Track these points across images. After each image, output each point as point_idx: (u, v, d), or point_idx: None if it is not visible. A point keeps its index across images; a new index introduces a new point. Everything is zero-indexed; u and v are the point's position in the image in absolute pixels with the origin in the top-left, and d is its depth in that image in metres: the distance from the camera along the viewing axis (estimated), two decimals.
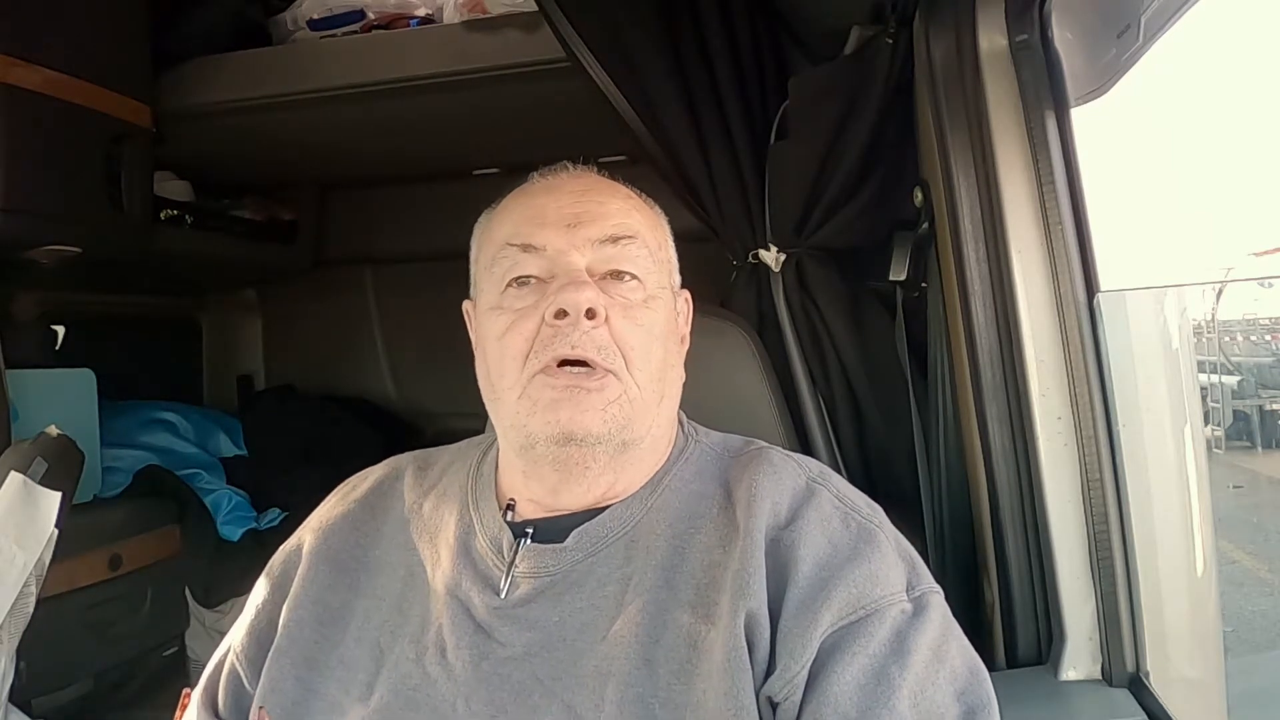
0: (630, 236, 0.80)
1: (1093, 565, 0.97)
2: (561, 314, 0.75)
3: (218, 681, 0.86)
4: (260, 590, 0.88)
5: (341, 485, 0.94)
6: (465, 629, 0.77)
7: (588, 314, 0.75)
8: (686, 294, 0.90)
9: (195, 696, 0.88)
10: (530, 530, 0.80)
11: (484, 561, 0.80)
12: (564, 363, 0.75)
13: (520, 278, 0.78)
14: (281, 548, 0.91)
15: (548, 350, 0.75)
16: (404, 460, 0.94)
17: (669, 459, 0.84)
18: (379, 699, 0.76)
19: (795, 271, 1.30)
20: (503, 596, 0.77)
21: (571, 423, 0.74)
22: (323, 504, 0.92)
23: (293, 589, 0.85)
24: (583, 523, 0.79)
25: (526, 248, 0.79)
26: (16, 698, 1.39)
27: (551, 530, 0.79)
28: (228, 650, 0.87)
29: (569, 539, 0.78)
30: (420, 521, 0.86)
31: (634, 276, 0.79)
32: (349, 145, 2.09)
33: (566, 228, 0.78)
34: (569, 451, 0.76)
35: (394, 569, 0.84)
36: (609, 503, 0.80)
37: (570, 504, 0.80)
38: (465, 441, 0.96)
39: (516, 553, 0.79)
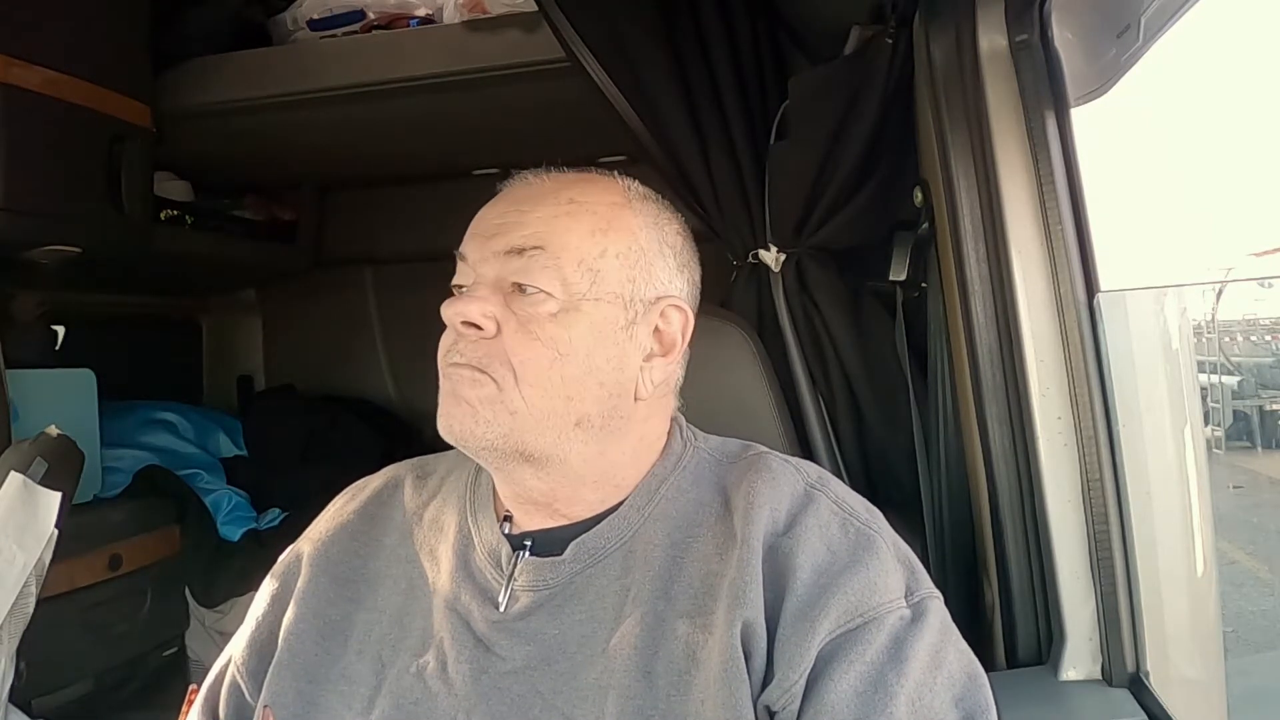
0: (537, 247, 0.76)
1: (1093, 565, 0.97)
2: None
3: (219, 693, 0.86)
4: (260, 602, 0.88)
5: (339, 496, 0.94)
6: (465, 643, 0.76)
7: (471, 325, 0.75)
8: (675, 302, 0.81)
9: (195, 706, 0.87)
10: (529, 542, 0.80)
11: (483, 575, 0.80)
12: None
13: (455, 286, 0.80)
14: (280, 559, 0.90)
15: (445, 357, 0.77)
16: (402, 469, 0.93)
17: (665, 466, 0.82)
18: (380, 713, 0.75)
19: (795, 271, 1.30)
20: (502, 610, 0.77)
21: (449, 416, 0.76)
22: (321, 515, 0.92)
23: (293, 602, 0.84)
24: (580, 534, 0.79)
25: (460, 256, 0.80)
26: (16, 698, 1.39)
27: (550, 542, 0.79)
28: (228, 661, 0.87)
29: (566, 551, 0.78)
30: (420, 532, 0.86)
31: (539, 289, 0.76)
32: (349, 145, 2.09)
33: (485, 239, 0.79)
34: (476, 456, 0.78)
35: (394, 581, 0.84)
36: (590, 512, 0.80)
37: (521, 497, 0.81)
38: None
39: (515, 565, 0.79)
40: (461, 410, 0.75)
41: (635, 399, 0.79)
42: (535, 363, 0.74)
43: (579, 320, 0.76)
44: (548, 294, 0.76)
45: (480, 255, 0.78)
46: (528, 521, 0.82)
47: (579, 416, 0.76)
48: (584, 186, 0.81)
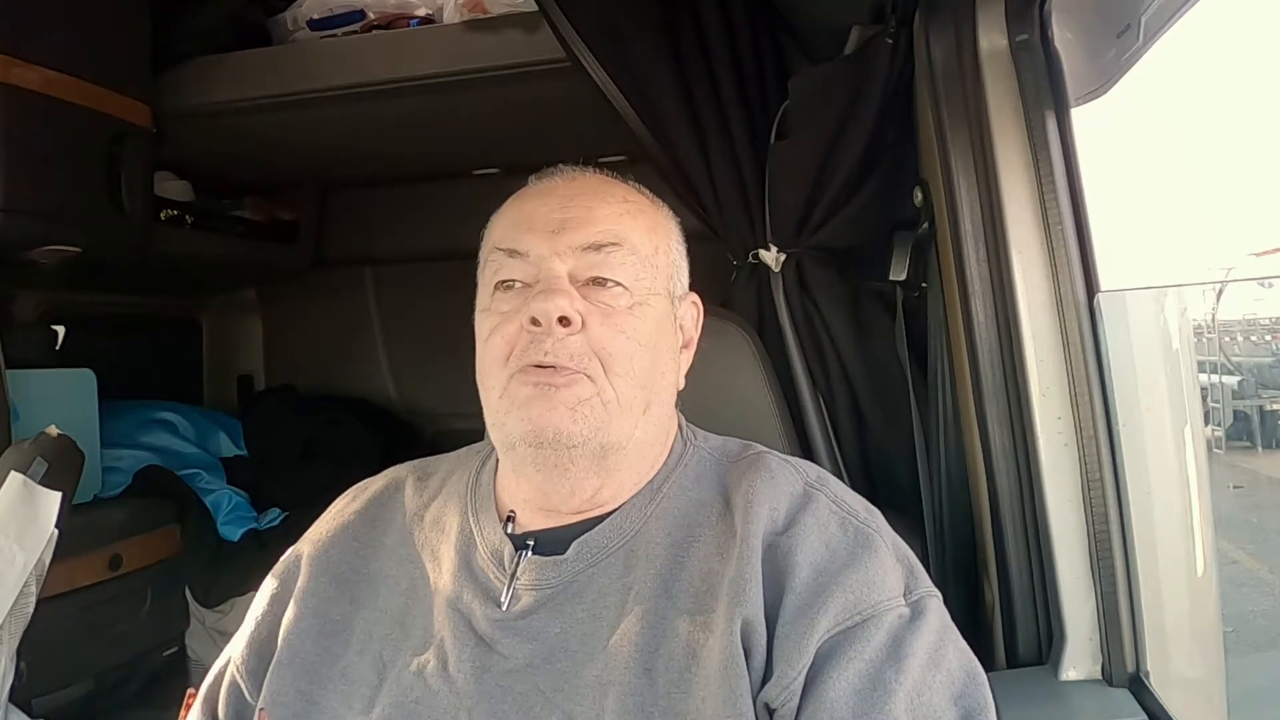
0: (615, 244, 0.79)
1: (1093, 565, 0.97)
2: (536, 321, 0.75)
3: (218, 693, 0.86)
4: (260, 602, 0.88)
5: (341, 497, 0.94)
6: (467, 642, 0.76)
7: (561, 322, 0.75)
8: (694, 298, 0.89)
9: (196, 707, 0.87)
10: (531, 542, 0.80)
11: (485, 574, 0.80)
12: (539, 367, 0.76)
13: (505, 282, 0.79)
14: (280, 560, 0.90)
15: (525, 355, 0.76)
16: (403, 471, 0.94)
17: (667, 465, 0.83)
18: (380, 711, 0.75)
19: (795, 271, 1.30)
20: (504, 609, 0.77)
21: (542, 419, 0.74)
22: (322, 516, 0.92)
23: (293, 601, 0.84)
24: (583, 533, 0.79)
25: (512, 253, 0.79)
26: (16, 698, 1.39)
27: (552, 541, 0.79)
28: (228, 661, 0.87)
29: (569, 550, 0.78)
30: (421, 533, 0.86)
31: (617, 283, 0.78)
32: (349, 145, 2.09)
33: (551, 233, 0.79)
34: (544, 454, 0.76)
35: (395, 581, 0.84)
36: (601, 509, 0.80)
37: (559, 504, 0.80)
38: (464, 450, 0.96)
39: (518, 565, 0.79)
40: (558, 413, 0.74)
41: (675, 390, 0.85)
42: (622, 354, 0.77)
43: (647, 313, 0.79)
44: (624, 288, 0.78)
45: (552, 249, 0.78)
46: (531, 521, 0.82)
47: (647, 403, 0.80)
48: (623, 187, 0.85)
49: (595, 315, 0.77)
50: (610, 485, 0.80)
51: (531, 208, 0.81)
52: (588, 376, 0.75)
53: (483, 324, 0.80)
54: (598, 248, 0.78)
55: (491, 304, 0.80)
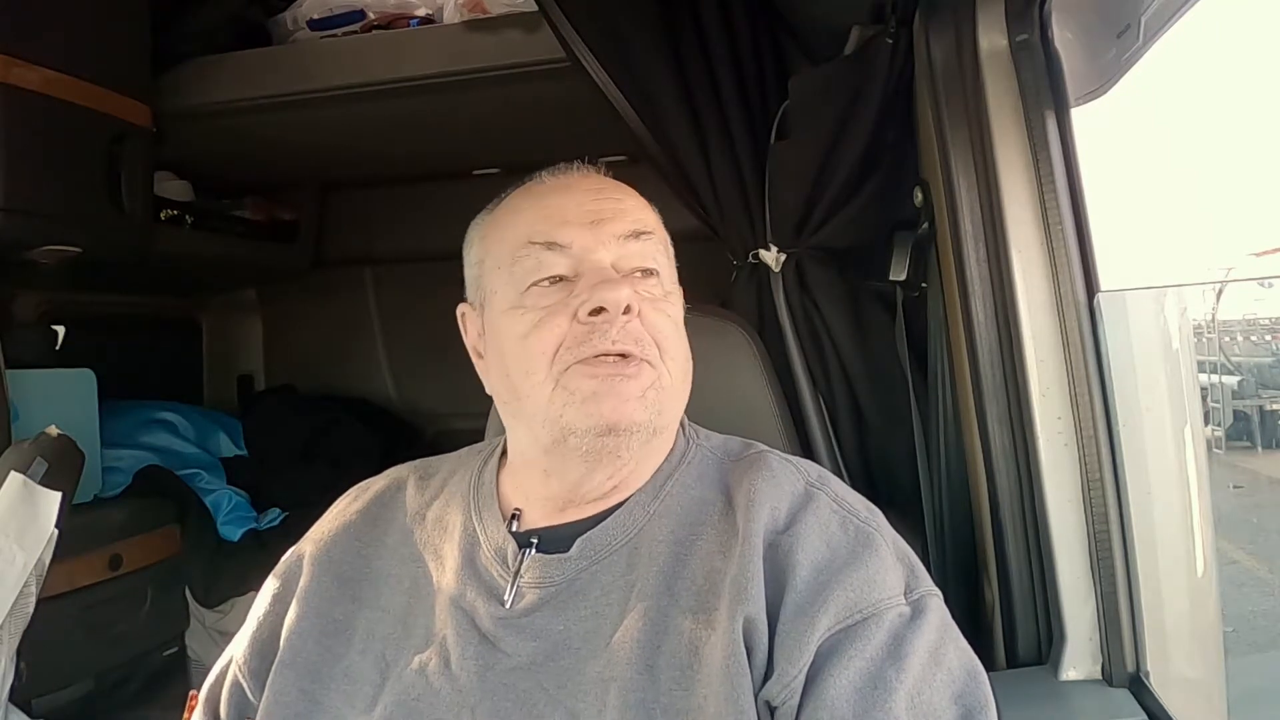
0: (649, 232, 0.82)
1: (1093, 565, 0.97)
2: (598, 311, 0.75)
3: (220, 693, 0.86)
4: (262, 602, 0.88)
5: (342, 497, 0.94)
6: (470, 640, 0.77)
7: (626, 310, 0.75)
8: (679, 292, 0.90)
9: (198, 707, 0.87)
10: (535, 540, 0.80)
11: (488, 572, 0.80)
12: (602, 356, 0.76)
13: (546, 276, 0.78)
14: (282, 560, 0.90)
15: (584, 346, 0.75)
16: (405, 470, 0.94)
17: (670, 462, 0.83)
18: (383, 710, 0.76)
19: (795, 271, 1.30)
20: (508, 606, 0.77)
21: (615, 413, 0.74)
22: (323, 516, 0.92)
23: (295, 601, 0.84)
24: (586, 530, 0.79)
25: (550, 245, 0.78)
26: (16, 698, 1.39)
27: (555, 539, 0.80)
28: (229, 661, 0.87)
29: (573, 548, 0.78)
30: (423, 532, 0.86)
31: (655, 272, 0.81)
32: (349, 145, 2.09)
33: (590, 225, 0.79)
34: (605, 442, 0.76)
35: (398, 581, 0.84)
36: (612, 499, 0.81)
37: (588, 493, 0.80)
38: (465, 449, 0.96)
39: (522, 563, 0.79)
40: (630, 405, 0.75)
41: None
42: (672, 338, 0.80)
43: (676, 300, 0.83)
44: (658, 278, 0.81)
45: (596, 240, 0.78)
46: (535, 519, 0.82)
47: (687, 385, 0.83)
48: (624, 184, 0.86)
49: (645, 303, 0.78)
50: (638, 471, 0.81)
51: (559, 202, 0.81)
52: (648, 362, 0.77)
53: (516, 321, 0.78)
54: (637, 236, 0.80)
55: (524, 300, 0.78)
